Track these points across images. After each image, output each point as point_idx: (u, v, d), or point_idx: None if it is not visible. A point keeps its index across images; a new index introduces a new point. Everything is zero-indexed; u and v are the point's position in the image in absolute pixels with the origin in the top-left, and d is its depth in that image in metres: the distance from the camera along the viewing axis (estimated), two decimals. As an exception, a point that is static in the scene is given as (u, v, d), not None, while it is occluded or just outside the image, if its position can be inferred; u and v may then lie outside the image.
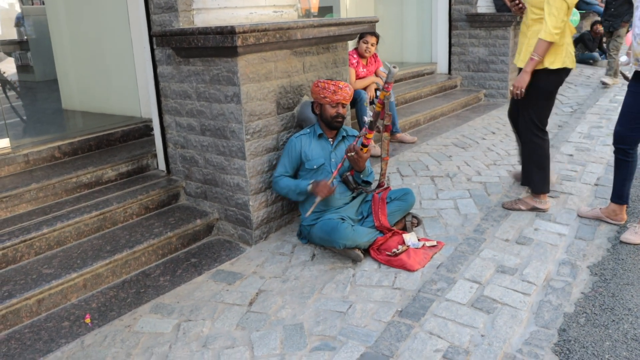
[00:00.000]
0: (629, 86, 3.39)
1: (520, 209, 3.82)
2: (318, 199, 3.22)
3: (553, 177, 4.14)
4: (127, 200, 3.48)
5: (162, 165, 3.97)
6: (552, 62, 3.51)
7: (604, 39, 8.08)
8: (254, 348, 2.49)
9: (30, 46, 7.83)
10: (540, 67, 3.52)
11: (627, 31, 8.49)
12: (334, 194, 3.29)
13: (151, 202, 3.64)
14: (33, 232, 3.05)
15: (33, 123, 4.81)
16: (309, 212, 3.26)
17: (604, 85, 7.83)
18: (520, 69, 3.67)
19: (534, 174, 3.78)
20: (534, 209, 3.80)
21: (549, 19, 3.39)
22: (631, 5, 7.62)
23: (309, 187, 3.26)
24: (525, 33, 3.64)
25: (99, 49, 4.93)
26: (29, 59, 7.99)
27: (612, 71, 7.95)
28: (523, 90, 3.56)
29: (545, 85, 3.58)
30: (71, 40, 5.20)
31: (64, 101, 5.49)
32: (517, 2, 3.71)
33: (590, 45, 10.37)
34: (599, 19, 9.99)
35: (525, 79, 3.53)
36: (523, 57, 3.64)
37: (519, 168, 4.43)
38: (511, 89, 3.65)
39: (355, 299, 2.83)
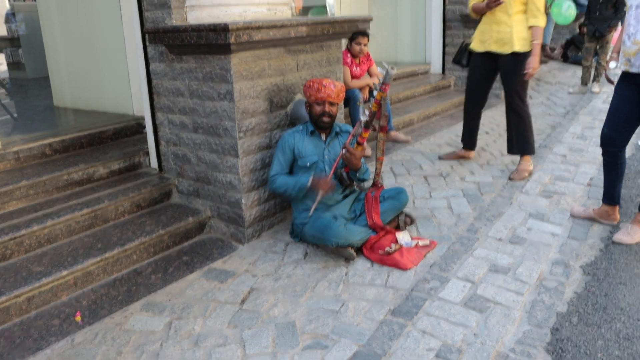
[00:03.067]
0: (615, 89, 3.38)
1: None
2: (320, 196, 3.19)
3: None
4: (119, 197, 3.45)
5: (154, 163, 3.94)
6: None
7: (587, 44, 7.83)
8: (246, 346, 2.48)
9: (21, 43, 7.77)
10: (528, 49, 4.15)
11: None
12: (333, 191, 3.26)
13: (143, 200, 3.61)
14: (23, 229, 3.02)
15: (24, 120, 4.77)
16: (312, 210, 3.22)
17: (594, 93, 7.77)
18: (502, 55, 4.27)
19: (530, 137, 4.41)
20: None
21: (539, 11, 4.09)
22: (617, 9, 7.35)
23: (309, 183, 3.22)
24: (507, 22, 4.17)
25: (91, 45, 4.90)
26: (20, 55, 7.93)
27: (600, 77, 7.83)
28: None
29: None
30: (63, 37, 5.16)
31: (55, 98, 5.44)
32: None
33: (581, 47, 10.34)
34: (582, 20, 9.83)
35: (538, 60, 4.14)
36: (517, 43, 4.16)
37: (512, 167, 4.50)
38: (529, 71, 4.12)
39: (347, 298, 2.82)
